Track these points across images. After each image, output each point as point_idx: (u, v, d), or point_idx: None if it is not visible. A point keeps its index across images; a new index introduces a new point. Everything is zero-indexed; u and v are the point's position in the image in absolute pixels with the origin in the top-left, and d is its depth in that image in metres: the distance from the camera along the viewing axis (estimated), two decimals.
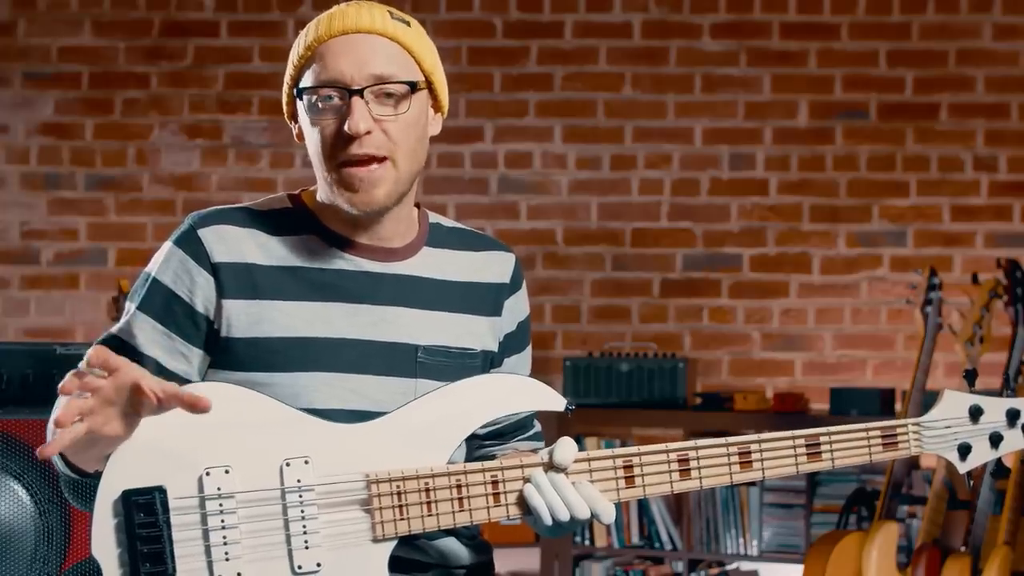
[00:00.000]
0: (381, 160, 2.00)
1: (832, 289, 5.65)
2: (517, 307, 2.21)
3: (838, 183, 5.67)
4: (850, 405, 4.91)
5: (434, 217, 2.19)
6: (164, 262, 2.04)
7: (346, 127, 1.98)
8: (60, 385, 1.78)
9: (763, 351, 5.66)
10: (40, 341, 5.28)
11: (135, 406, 1.80)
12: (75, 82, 5.81)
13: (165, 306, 2.02)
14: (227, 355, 2.02)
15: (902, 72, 5.66)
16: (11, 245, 5.78)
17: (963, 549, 4.27)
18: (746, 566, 5.19)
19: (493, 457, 2.18)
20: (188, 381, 1.99)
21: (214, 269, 2.02)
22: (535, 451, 2.20)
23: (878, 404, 4.89)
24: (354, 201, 2.00)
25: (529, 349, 2.26)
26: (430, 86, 2.07)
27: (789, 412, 5.02)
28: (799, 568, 4.65)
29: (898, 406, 4.94)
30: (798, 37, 5.70)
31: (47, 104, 5.81)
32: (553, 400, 1.96)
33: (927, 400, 4.37)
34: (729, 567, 5.20)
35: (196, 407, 1.78)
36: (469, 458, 2.16)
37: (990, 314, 4.40)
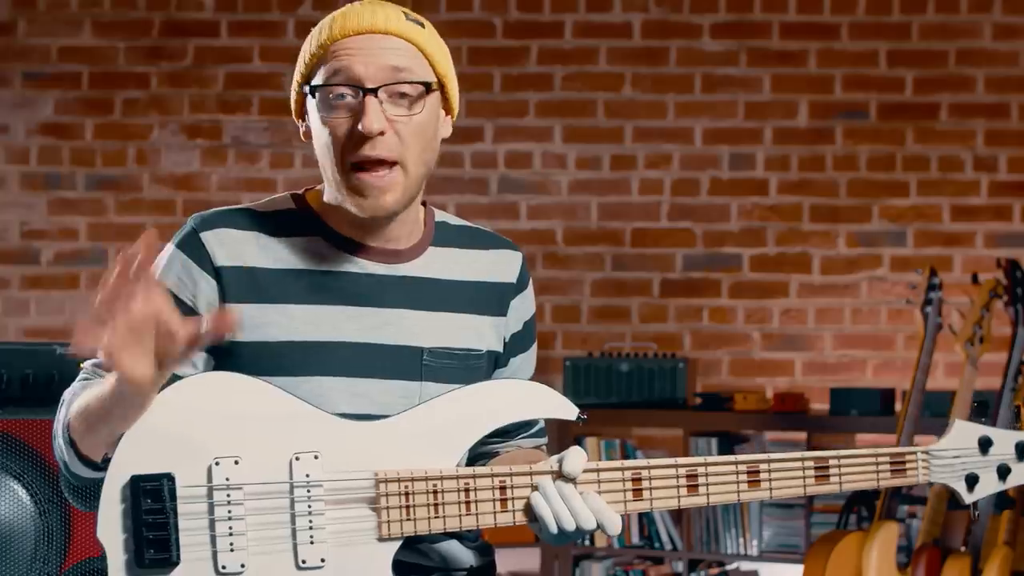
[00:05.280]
0: (392, 165, 1.98)
1: (832, 289, 5.66)
2: (523, 307, 2.20)
3: (838, 183, 5.67)
4: (850, 405, 4.91)
5: (440, 215, 2.17)
6: (167, 266, 2.03)
7: (360, 126, 1.96)
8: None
9: (763, 351, 5.66)
10: (40, 341, 5.27)
11: (160, 350, 1.77)
12: (75, 82, 5.81)
13: None
14: (231, 359, 2.01)
15: (902, 72, 5.66)
16: (11, 245, 5.78)
17: (963, 549, 4.27)
18: (746, 566, 5.19)
19: (496, 454, 2.18)
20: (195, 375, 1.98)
21: (217, 273, 2.01)
22: (539, 447, 2.21)
23: (878, 404, 4.88)
24: (364, 207, 1.99)
25: (535, 347, 2.25)
26: (443, 88, 2.06)
27: (789, 412, 5.01)
28: (799, 568, 4.65)
29: (898, 406, 4.94)
30: (798, 37, 5.70)
31: (47, 104, 5.81)
32: (565, 409, 1.96)
33: (928, 400, 4.38)
34: (729, 567, 5.19)
35: (225, 323, 1.77)
36: (473, 454, 2.16)
37: (990, 314, 4.40)
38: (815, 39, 5.69)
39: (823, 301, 5.66)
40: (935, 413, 4.50)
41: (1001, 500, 4.30)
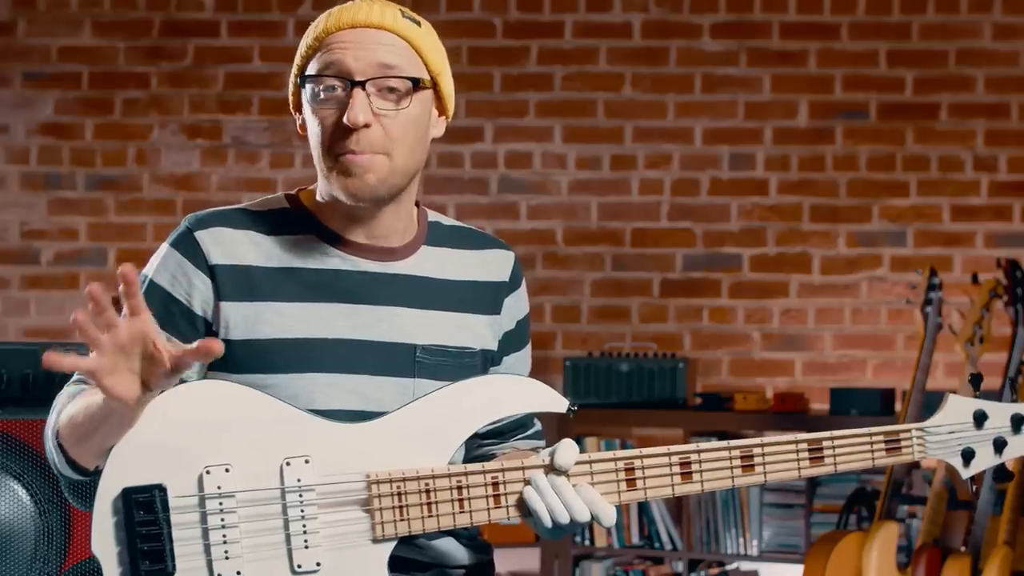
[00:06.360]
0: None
1: (832, 289, 5.66)
2: (516, 305, 2.20)
3: (838, 183, 5.67)
4: (850, 405, 4.91)
5: (433, 215, 2.18)
6: (161, 264, 2.04)
7: (345, 118, 1.97)
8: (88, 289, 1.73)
9: (763, 351, 5.66)
10: (40, 341, 5.27)
11: (146, 372, 1.79)
12: (75, 82, 5.81)
13: (163, 309, 2.01)
14: (226, 357, 2.00)
15: (902, 72, 5.66)
16: (11, 245, 5.78)
17: (963, 549, 4.27)
18: (746, 566, 5.19)
19: (492, 456, 2.18)
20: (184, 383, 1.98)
21: (211, 271, 2.02)
22: (535, 450, 2.19)
23: (878, 404, 4.88)
24: (348, 186, 2.00)
25: (528, 347, 2.25)
26: (436, 87, 2.07)
27: (789, 412, 5.01)
28: (799, 568, 4.65)
29: (898, 406, 4.94)
30: (798, 37, 5.70)
31: (47, 104, 5.81)
32: (555, 401, 1.96)
33: (927, 400, 4.37)
34: (729, 567, 5.20)
35: (211, 352, 1.77)
36: (468, 457, 2.16)
37: (990, 314, 4.40)
38: (815, 39, 5.69)
39: (823, 301, 5.66)
40: (935, 413, 4.49)
41: (999, 497, 4.30)
